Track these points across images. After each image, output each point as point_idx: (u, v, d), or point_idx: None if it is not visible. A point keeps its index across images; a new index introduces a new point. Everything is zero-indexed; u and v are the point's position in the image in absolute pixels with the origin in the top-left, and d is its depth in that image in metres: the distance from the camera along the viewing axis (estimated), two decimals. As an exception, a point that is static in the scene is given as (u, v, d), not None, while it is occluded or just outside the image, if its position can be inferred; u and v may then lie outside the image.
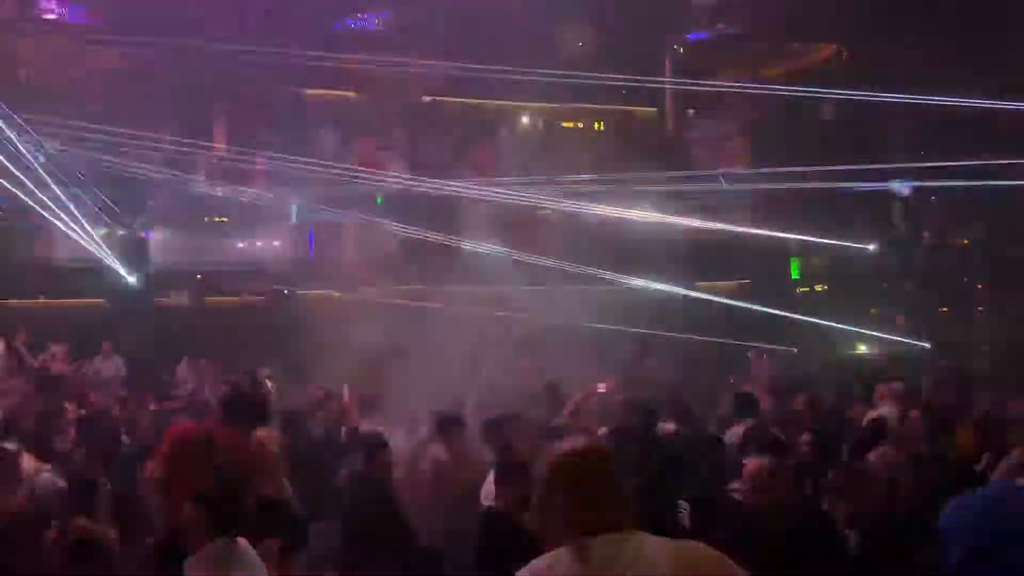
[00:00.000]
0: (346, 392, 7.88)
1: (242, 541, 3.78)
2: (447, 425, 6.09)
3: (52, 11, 15.24)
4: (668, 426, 6.96)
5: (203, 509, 3.74)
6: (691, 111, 16.42)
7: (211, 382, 11.18)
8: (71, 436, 7.01)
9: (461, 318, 10.07)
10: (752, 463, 4.22)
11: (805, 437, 5.86)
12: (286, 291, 14.69)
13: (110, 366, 12.15)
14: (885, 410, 7.15)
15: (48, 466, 5.65)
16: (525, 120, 18.96)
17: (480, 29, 14.64)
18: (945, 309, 15.83)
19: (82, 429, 7.19)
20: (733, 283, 18.02)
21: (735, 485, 4.74)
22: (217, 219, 15.67)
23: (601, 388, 8.63)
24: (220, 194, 15.45)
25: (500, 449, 5.82)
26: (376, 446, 5.26)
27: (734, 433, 6.37)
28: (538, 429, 6.49)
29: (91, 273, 13.74)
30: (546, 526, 2.18)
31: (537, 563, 2.13)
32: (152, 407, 9.05)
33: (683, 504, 4.90)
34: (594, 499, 2.13)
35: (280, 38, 14.95)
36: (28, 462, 5.65)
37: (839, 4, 14.54)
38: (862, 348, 13.31)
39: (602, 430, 6.84)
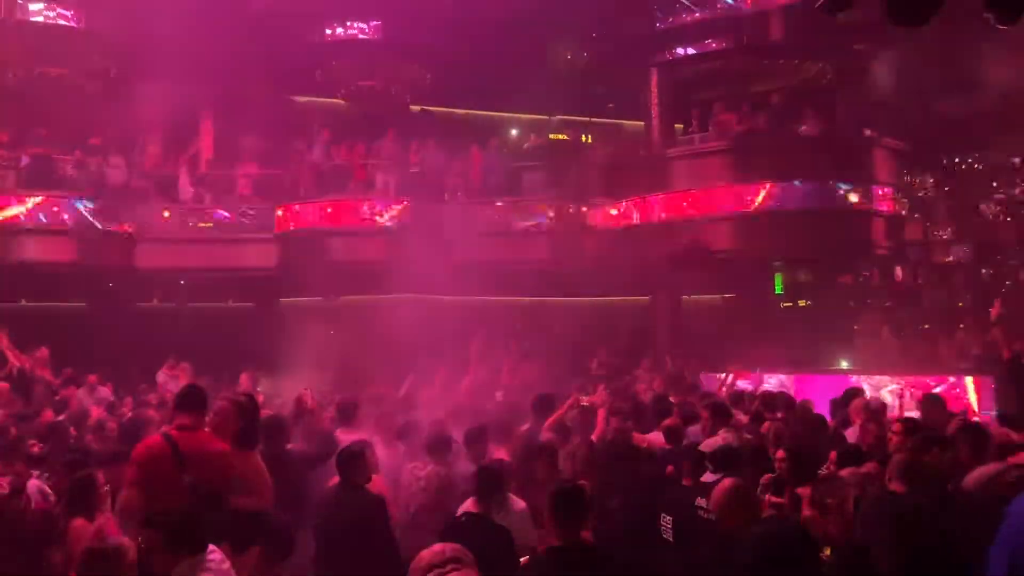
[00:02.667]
0: (309, 397, 7.70)
1: (213, 555, 3.74)
2: (436, 445, 6.13)
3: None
4: (656, 437, 6.97)
5: (159, 532, 3.69)
6: (679, 125, 16.51)
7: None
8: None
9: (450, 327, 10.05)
10: (718, 487, 4.22)
11: (780, 453, 5.87)
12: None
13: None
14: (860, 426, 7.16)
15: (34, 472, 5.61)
16: (513, 132, 19.06)
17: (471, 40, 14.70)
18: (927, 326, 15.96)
19: (54, 435, 7.12)
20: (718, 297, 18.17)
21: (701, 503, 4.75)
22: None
23: (585, 400, 8.64)
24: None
25: (481, 458, 5.85)
26: (357, 455, 5.24)
27: (712, 443, 6.36)
28: (524, 440, 6.51)
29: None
30: None
31: None
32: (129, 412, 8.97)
33: (666, 518, 4.93)
34: None
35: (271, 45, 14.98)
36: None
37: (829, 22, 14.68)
38: (844, 364, 13.36)
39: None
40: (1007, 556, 2.58)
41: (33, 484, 5.41)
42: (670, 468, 5.76)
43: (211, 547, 3.75)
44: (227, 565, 3.76)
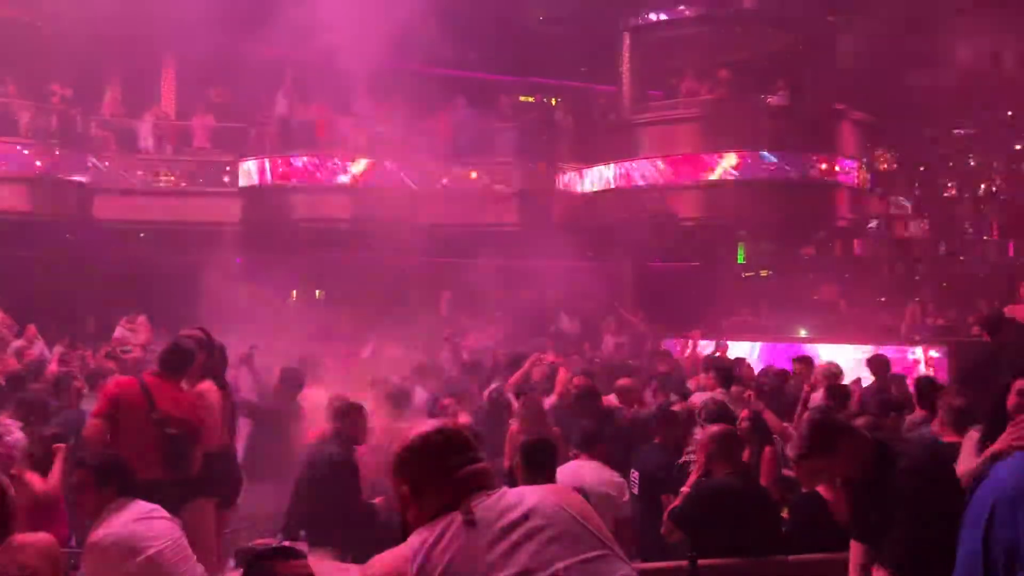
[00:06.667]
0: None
1: (142, 505, 3.66)
2: (396, 400, 6.19)
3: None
4: (611, 399, 7.06)
5: (88, 470, 3.63)
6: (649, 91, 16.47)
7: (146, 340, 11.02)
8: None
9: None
10: (708, 431, 4.33)
11: (744, 412, 6.02)
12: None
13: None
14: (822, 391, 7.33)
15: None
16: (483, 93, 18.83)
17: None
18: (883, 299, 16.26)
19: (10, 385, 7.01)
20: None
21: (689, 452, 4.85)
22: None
23: (548, 359, 8.71)
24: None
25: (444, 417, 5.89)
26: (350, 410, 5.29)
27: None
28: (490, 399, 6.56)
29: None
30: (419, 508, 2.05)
31: (418, 538, 1.97)
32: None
33: (634, 473, 5.02)
34: (462, 463, 2.07)
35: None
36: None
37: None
38: (803, 332, 13.59)
39: (549, 400, 6.93)
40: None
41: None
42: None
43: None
44: (162, 514, 3.70)
